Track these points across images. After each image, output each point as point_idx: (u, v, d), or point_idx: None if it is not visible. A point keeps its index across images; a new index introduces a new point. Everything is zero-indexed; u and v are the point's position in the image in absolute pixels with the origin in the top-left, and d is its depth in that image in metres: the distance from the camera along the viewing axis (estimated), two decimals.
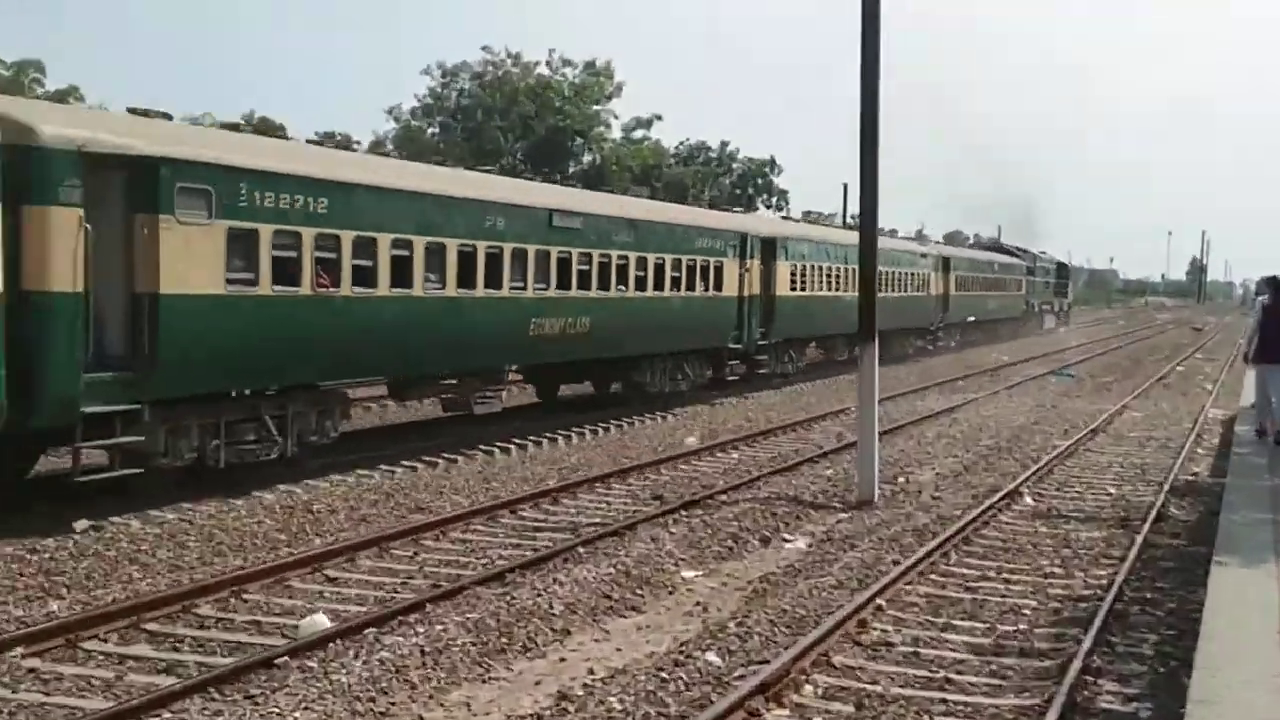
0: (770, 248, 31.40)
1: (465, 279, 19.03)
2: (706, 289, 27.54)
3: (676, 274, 26.21)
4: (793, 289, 32.81)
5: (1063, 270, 79.60)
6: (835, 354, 38.45)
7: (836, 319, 34.81)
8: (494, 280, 19.78)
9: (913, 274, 44.97)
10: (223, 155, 14.90)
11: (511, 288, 20.36)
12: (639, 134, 65.64)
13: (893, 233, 43.32)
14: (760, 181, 69.30)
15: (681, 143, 68.80)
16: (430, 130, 61.68)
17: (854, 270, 32.14)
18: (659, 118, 65.44)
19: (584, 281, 22.66)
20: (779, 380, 32.32)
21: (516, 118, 59.83)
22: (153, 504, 13.89)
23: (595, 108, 62.97)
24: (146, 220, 13.63)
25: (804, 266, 33.85)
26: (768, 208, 65.94)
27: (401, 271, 17.58)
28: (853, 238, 25.73)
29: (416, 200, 18.24)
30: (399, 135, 60.08)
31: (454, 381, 20.80)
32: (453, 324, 18.89)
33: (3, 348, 12.12)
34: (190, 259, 14.05)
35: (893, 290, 40.68)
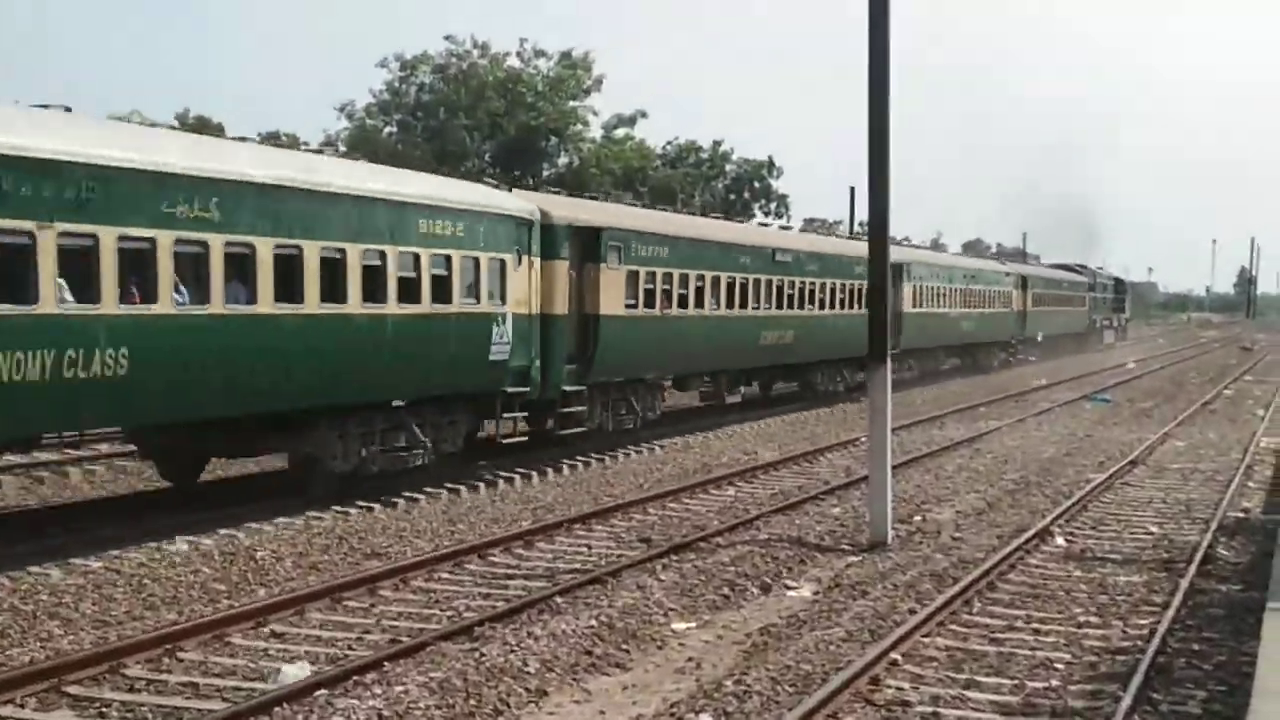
0: (898, 271, 37.49)
1: (730, 303, 29.84)
2: (862, 307, 29.81)
3: (843, 295, 36.23)
4: (915, 306, 42.66)
5: (1120, 286, 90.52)
6: (938, 365, 49.03)
7: (945, 333, 47.58)
8: (743, 303, 30.42)
9: (1000, 292, 55.40)
10: (624, 222, 25.97)
11: (751, 308, 30.87)
12: (621, 133, 65.67)
13: (905, 240, 47.78)
14: (757, 185, 69.47)
15: (669, 142, 69.04)
16: (388, 129, 61.75)
17: (959, 290, 49.54)
18: (644, 115, 65.51)
19: (790, 303, 33.17)
20: (911, 381, 41.34)
21: (484, 115, 59.87)
22: (73, 553, 13.82)
23: (572, 104, 63.04)
24: (592, 268, 23.72)
25: (921, 287, 43.95)
26: (765, 213, 66.06)
27: (702, 298, 28.47)
28: (957, 260, 44.48)
29: (717, 247, 29.83)
30: (353, 135, 60.05)
31: (709, 379, 31.06)
32: (721, 335, 29.41)
33: (539, 349, 21.74)
34: (611, 291, 24.14)
35: (986, 307, 53.07)
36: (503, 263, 20.84)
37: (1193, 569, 13.85)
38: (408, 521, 16.43)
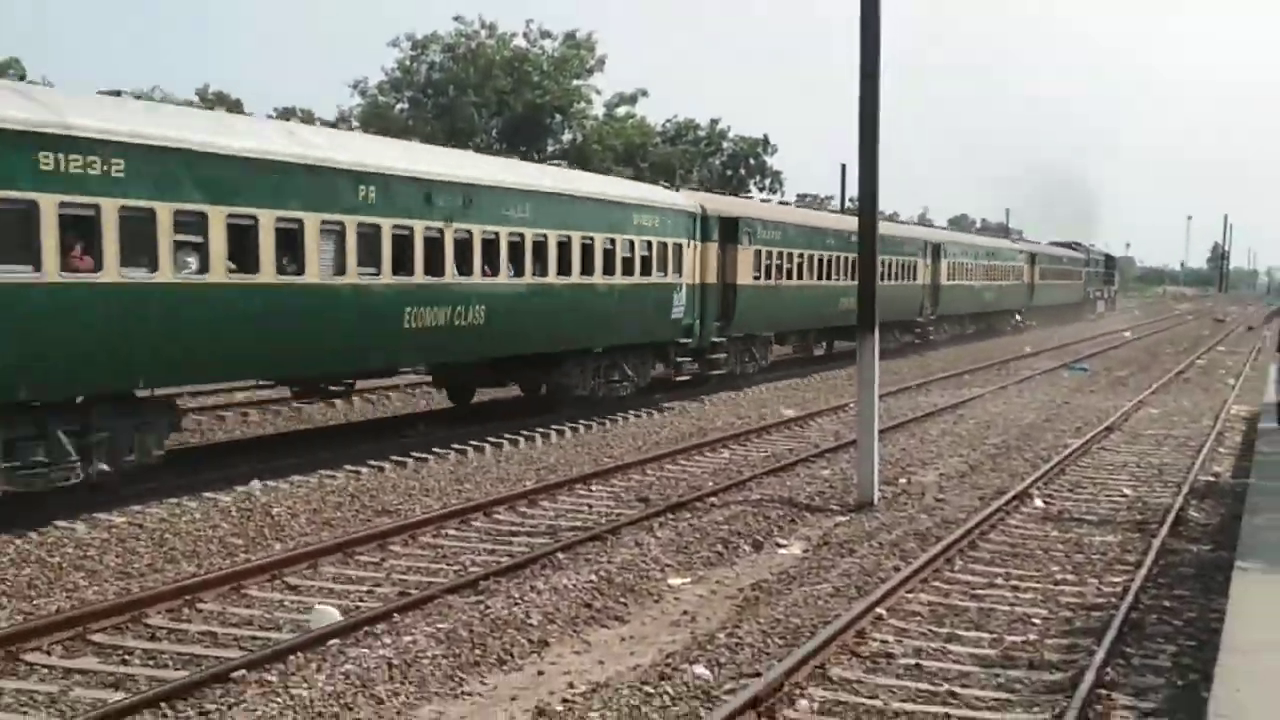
0: (936, 250, 46.89)
1: (818, 275, 35.04)
2: (906, 279, 42.72)
3: (893, 269, 40.50)
4: (950, 280, 48.63)
5: (1110, 262, 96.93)
6: (964, 330, 53.68)
7: (972, 302, 53.60)
8: (827, 275, 35.50)
9: (1013, 267, 60.63)
10: (750, 212, 32.45)
11: (833, 280, 35.77)
12: (623, 111, 65.47)
13: (893, 216, 50.38)
14: (753, 162, 69.27)
15: (668, 120, 68.70)
16: (399, 106, 61.51)
17: (983, 265, 55.57)
18: (644, 93, 65.32)
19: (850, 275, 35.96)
20: (944, 341, 48.81)
21: (491, 93, 59.65)
22: (98, 508, 13.83)
23: (576, 82, 62.81)
24: (732, 248, 29.22)
25: (955, 264, 49.57)
26: (760, 190, 65.99)
27: (801, 271, 33.75)
28: (981, 240, 58.82)
29: (811, 230, 35.27)
30: (365, 111, 59.88)
31: (799, 336, 37.18)
32: (814, 301, 34.64)
33: (699, 309, 27.43)
34: (744, 266, 29.76)
35: (1004, 280, 58.43)
36: (680, 246, 26.91)
37: (1164, 530, 13.86)
38: (417, 480, 16.43)
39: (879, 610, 10.60)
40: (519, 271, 21.20)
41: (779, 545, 13.46)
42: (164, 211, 14.46)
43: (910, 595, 11.26)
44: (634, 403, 25.39)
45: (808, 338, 37.92)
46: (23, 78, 49.46)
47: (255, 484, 15.49)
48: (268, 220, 15.85)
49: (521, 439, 20.16)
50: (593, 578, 11.63)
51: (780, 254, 32.17)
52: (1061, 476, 17.86)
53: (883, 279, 36.38)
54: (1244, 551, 11.25)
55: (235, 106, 48.98)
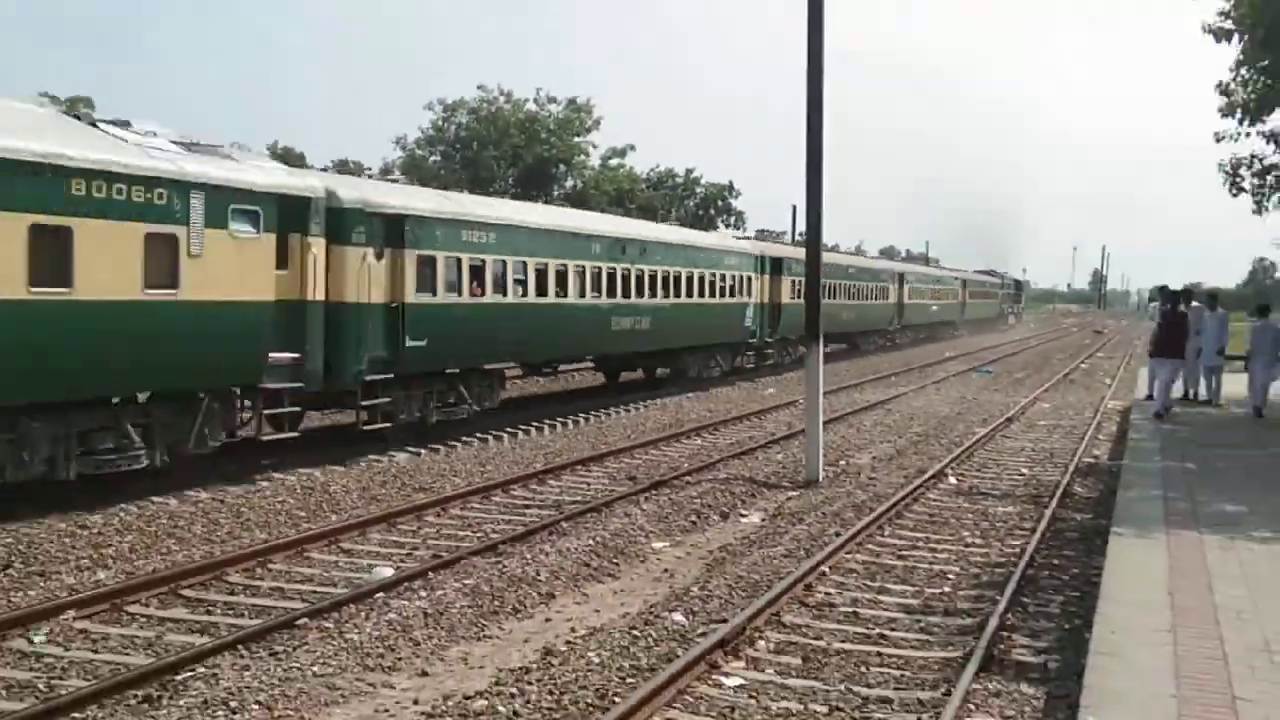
0: (901, 278, 52.87)
1: (834, 295, 37.60)
2: (880, 299, 48.81)
3: (876, 291, 47.79)
4: (910, 300, 53.83)
5: (1018, 285, 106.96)
6: (918, 335, 57.92)
7: (925, 315, 58.85)
8: (834, 295, 37.98)
9: (952, 289, 67.14)
10: (785, 253, 35.98)
11: (843, 300, 41.02)
12: (615, 162, 65.44)
13: (834, 247, 51.87)
14: (720, 204, 69.21)
15: (652, 169, 68.48)
16: (433, 158, 61.34)
17: (931, 289, 61.30)
18: (632, 148, 65.11)
19: (851, 295, 43.54)
20: (906, 344, 53.26)
21: (508, 148, 59.57)
22: (187, 486, 13.80)
23: (577, 139, 62.72)
24: (778, 278, 34.45)
25: (913, 288, 54.95)
26: (727, 227, 65.86)
27: (828, 292, 32.43)
28: (931, 270, 67.48)
29: (829, 267, 31.95)
30: (405, 163, 59.79)
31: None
32: (830, 313, 31.85)
33: (759, 320, 32.89)
34: (784, 290, 34.61)
35: (945, 300, 64.36)
36: (750, 277, 32.48)
37: (1054, 502, 13.91)
38: (447, 464, 16.42)
39: (823, 568, 10.63)
40: (667, 295, 26.81)
41: (741, 515, 13.49)
42: (513, 262, 20.30)
43: (848, 556, 11.29)
44: (719, 382, 30.47)
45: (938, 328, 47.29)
46: (93, 114, 49.38)
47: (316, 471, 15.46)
48: (554, 265, 21.60)
49: (533, 429, 20.13)
50: (590, 542, 11.64)
51: (920, 289, 40.55)
52: (971, 459, 17.91)
53: (866, 298, 46.10)
54: (1118, 520, 11.30)
55: (299, 158, 49.00)
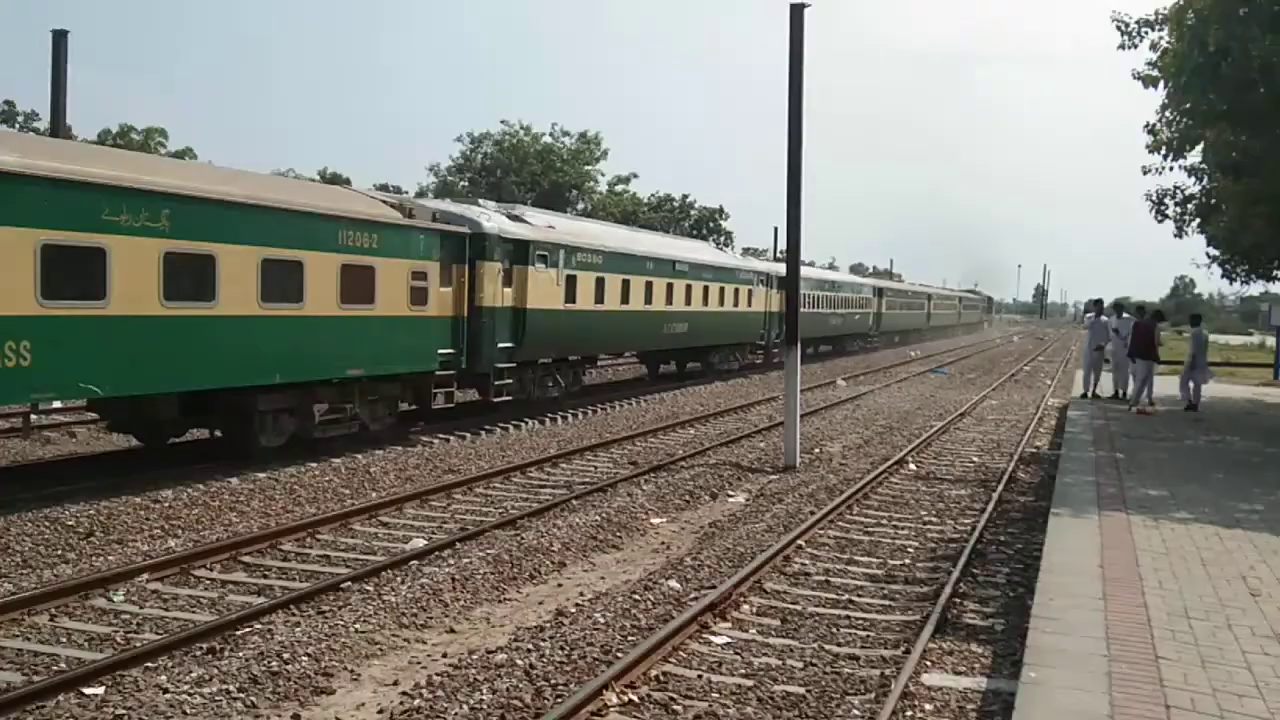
0: (880, 292, 54.81)
1: (817, 306, 40.14)
2: (862, 309, 49.86)
3: (857, 303, 48.69)
4: (887, 310, 55.81)
5: (990, 301, 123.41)
6: (906, 340, 61.85)
7: (908, 323, 63.54)
8: (822, 306, 41.10)
9: (919, 302, 68.44)
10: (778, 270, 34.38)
11: (826, 309, 42.35)
12: (620, 188, 65.55)
13: (811, 262, 51.53)
14: (711, 225, 69.18)
15: (652, 194, 68.62)
16: (462, 184, 61.41)
17: (910, 301, 65.23)
18: (635, 175, 65.85)
19: (836, 305, 44.78)
20: (883, 346, 54.88)
21: (527, 175, 59.61)
22: (247, 467, 13.81)
23: (587, 167, 62.79)
24: (779, 292, 30.57)
25: (890, 301, 57.20)
26: (716, 244, 65.77)
27: (814, 304, 39.68)
28: (906, 286, 69.25)
29: (847, 285, 46.13)
30: (438, 187, 59.84)
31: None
32: (821, 319, 41.26)
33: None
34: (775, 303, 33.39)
35: (914, 310, 65.82)
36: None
37: (1001, 486, 13.93)
38: (473, 449, 16.42)
39: (799, 542, 10.64)
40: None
41: (729, 496, 13.49)
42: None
43: (821, 531, 11.30)
44: (736, 373, 32.78)
45: (818, 342, 44.63)
46: (165, 145, 49.35)
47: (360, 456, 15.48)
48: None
49: (547, 420, 20.14)
50: (597, 518, 11.65)
51: (895, 300, 40.81)
52: (928, 448, 17.92)
53: (851, 309, 47.76)
54: (1057, 501, 11.30)
55: (345, 181, 48.94)
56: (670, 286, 26.63)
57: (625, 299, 23.92)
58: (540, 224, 20.79)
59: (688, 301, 27.84)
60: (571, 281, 21.19)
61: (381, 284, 15.38)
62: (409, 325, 16.11)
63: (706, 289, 29.27)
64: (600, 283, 22.52)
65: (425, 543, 10.33)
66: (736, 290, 32.15)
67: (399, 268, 15.81)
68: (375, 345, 15.40)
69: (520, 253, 19.06)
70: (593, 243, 22.56)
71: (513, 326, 18.96)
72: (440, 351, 16.89)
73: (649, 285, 25.31)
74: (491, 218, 18.80)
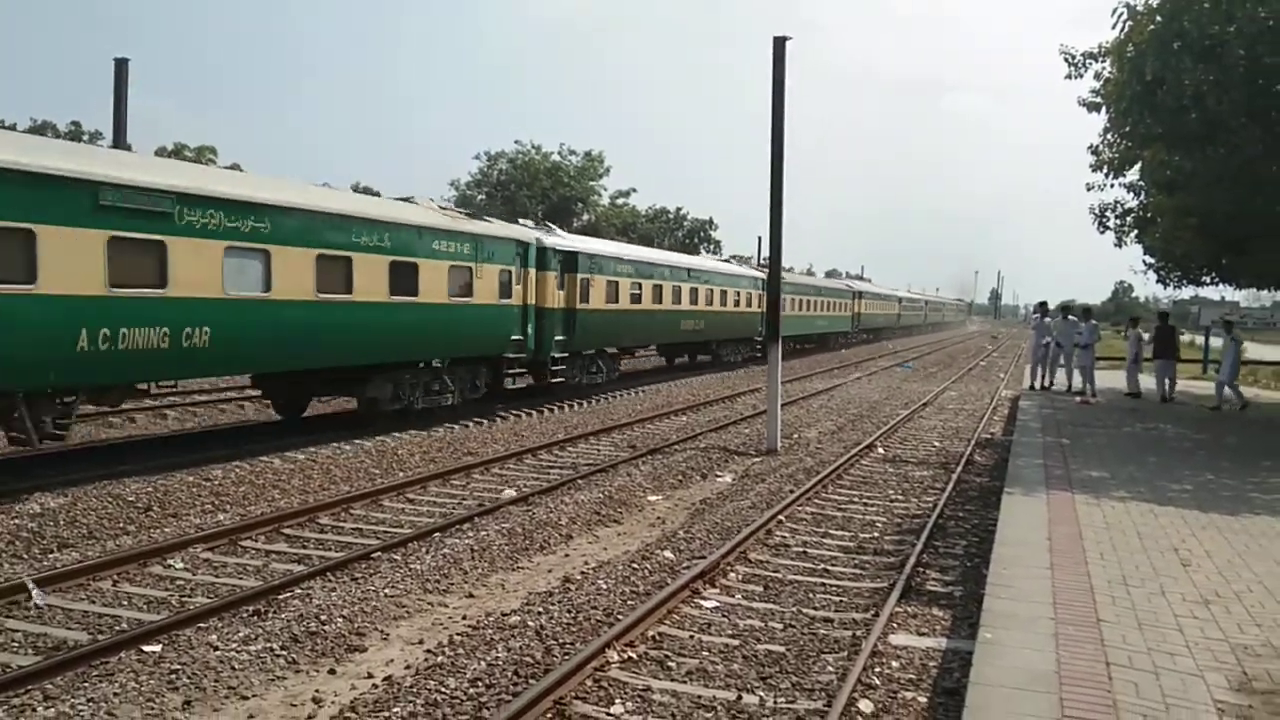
0: (858, 295, 55.67)
1: (805, 309, 42.52)
2: (840, 311, 50.42)
3: (836, 305, 49.19)
4: (866, 310, 56.91)
5: (970, 305, 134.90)
6: (902, 335, 66.17)
7: (881, 322, 63.56)
8: (807, 308, 42.75)
9: (891, 303, 68.95)
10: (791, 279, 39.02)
11: (808, 311, 42.88)
12: (620, 201, 65.43)
13: (791, 269, 52.86)
14: (702, 235, 69.08)
15: (649, 207, 68.52)
16: (480, 197, 61.31)
17: (883, 301, 64.95)
18: (634, 190, 65.67)
19: (814, 308, 44.70)
20: (859, 343, 55.16)
21: (538, 189, 59.45)
22: (288, 449, 13.81)
23: (591, 183, 62.67)
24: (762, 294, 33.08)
25: (868, 302, 58.11)
26: (707, 252, 65.70)
27: (810, 306, 43.26)
28: (885, 290, 69.22)
29: (801, 287, 42.73)
30: (457, 200, 59.71)
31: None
32: (806, 320, 42.47)
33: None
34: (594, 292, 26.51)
35: (888, 311, 66.50)
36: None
37: (960, 468, 13.94)
38: (489, 434, 16.42)
39: (780, 517, 10.64)
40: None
41: (717, 476, 13.49)
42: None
43: (800, 508, 11.30)
44: (739, 364, 33.90)
45: (806, 340, 45.08)
46: (214, 161, 49.19)
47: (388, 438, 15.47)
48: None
49: (555, 408, 20.14)
50: (600, 495, 11.65)
51: (792, 299, 39.27)
52: (895, 434, 17.92)
53: (834, 310, 48.69)
54: (1009, 481, 11.31)
55: (376, 193, 48.78)
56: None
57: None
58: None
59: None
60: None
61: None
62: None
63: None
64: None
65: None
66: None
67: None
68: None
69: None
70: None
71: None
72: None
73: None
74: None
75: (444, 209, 18.65)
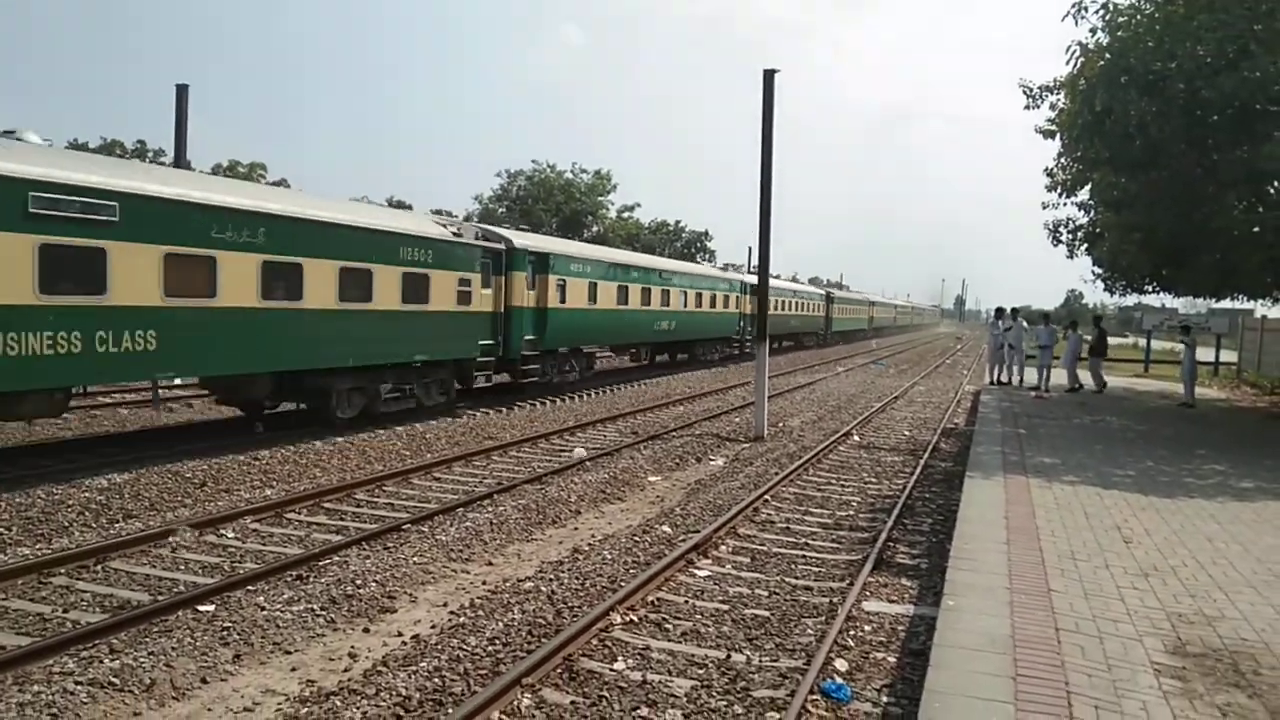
0: (830, 298, 54.23)
1: (785, 309, 40.10)
2: (813, 313, 48.67)
3: (811, 308, 48.04)
4: (839, 314, 56.02)
5: (944, 311, 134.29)
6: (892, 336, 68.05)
7: (852, 325, 60.98)
8: (788, 309, 41.07)
9: (862, 306, 66.99)
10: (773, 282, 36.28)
11: (787, 311, 41.53)
12: (626, 215, 65.38)
13: (776, 275, 52.36)
14: (699, 245, 69.01)
15: (652, 220, 68.47)
16: (500, 210, 61.30)
17: (853, 306, 62.97)
18: (639, 204, 65.51)
19: (790, 307, 42.80)
20: (834, 343, 53.51)
21: (552, 204, 59.36)
22: (325, 435, 13.81)
23: (600, 198, 62.61)
24: (753, 298, 30.04)
25: (841, 306, 57.12)
26: (703, 261, 65.66)
27: (792, 307, 42.07)
28: (856, 295, 65.79)
29: (782, 290, 40.61)
30: (481, 213, 59.68)
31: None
32: (785, 319, 40.70)
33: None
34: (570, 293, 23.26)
35: (859, 314, 64.33)
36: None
37: (927, 454, 13.91)
38: (508, 420, 16.41)
39: (766, 496, 10.64)
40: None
41: (711, 459, 13.48)
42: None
43: (784, 488, 11.29)
44: (716, 362, 32.52)
45: (781, 339, 43.48)
46: (287, 184, 49.19)
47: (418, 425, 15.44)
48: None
49: (566, 399, 20.12)
50: (606, 476, 11.64)
51: (775, 301, 37.88)
52: (869, 423, 17.89)
53: (809, 312, 47.78)
54: (971, 466, 11.30)
55: (409, 207, 48.75)
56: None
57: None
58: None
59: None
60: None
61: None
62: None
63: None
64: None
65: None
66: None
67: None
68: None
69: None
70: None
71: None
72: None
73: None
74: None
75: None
